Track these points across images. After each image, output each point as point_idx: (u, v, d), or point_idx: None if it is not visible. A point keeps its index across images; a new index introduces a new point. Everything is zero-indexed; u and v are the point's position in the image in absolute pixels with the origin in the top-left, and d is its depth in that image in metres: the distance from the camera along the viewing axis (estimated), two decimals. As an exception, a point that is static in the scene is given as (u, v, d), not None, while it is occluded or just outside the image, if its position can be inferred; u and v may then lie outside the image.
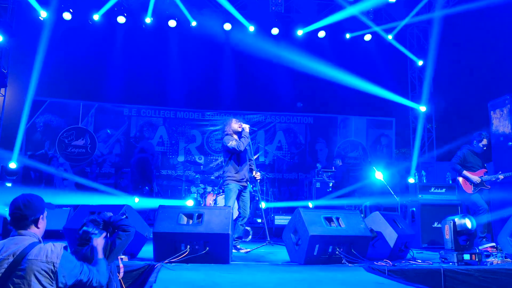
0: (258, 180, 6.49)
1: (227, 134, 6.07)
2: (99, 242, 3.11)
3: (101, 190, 10.98)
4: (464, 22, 9.88)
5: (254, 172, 6.32)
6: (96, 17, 10.57)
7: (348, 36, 11.79)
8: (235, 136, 6.02)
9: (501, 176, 6.16)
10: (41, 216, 2.77)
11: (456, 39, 10.04)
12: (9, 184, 8.80)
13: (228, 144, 5.88)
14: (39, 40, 10.31)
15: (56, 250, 2.64)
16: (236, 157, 5.98)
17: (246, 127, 6.06)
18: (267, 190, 10.44)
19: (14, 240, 2.64)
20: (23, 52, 10.66)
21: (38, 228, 2.76)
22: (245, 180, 6.02)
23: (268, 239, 6.24)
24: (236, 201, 5.95)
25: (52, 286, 2.60)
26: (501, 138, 7.59)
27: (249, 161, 6.25)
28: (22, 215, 2.68)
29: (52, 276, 2.59)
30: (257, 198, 9.95)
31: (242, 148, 5.87)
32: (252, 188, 9.96)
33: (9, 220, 2.73)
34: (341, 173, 9.54)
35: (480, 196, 6.18)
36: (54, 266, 2.59)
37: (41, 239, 2.74)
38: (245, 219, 5.97)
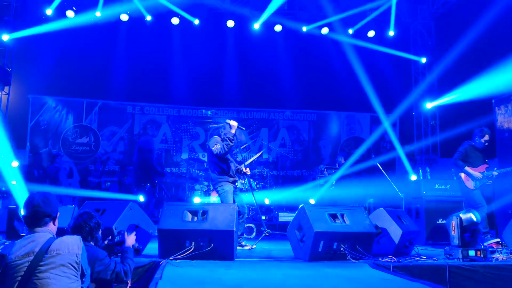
0: (248, 175, 6.48)
1: (215, 136, 6.04)
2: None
3: (104, 187, 11.06)
4: (468, 16, 9.82)
5: (244, 168, 6.32)
6: (98, 14, 10.55)
7: (351, 31, 11.72)
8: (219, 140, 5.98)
9: (495, 173, 6.20)
10: (58, 213, 2.81)
11: (460, 33, 9.98)
12: (13, 182, 8.82)
13: (213, 148, 5.87)
14: (42, 39, 10.35)
15: (75, 241, 2.69)
16: (224, 157, 5.96)
17: (235, 124, 5.96)
18: (270, 187, 10.45)
19: (30, 238, 2.64)
20: (27, 51, 10.69)
21: (54, 225, 2.79)
22: (236, 180, 6.09)
23: (266, 229, 6.24)
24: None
25: (77, 277, 2.63)
26: (506, 134, 7.56)
27: (234, 158, 6.28)
28: (43, 212, 2.70)
29: (76, 267, 2.63)
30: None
31: (224, 152, 5.83)
32: (256, 185, 10.00)
33: (25, 217, 2.72)
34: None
35: (480, 193, 6.23)
36: (77, 257, 2.63)
37: (55, 236, 2.77)
38: (245, 215, 6.02)
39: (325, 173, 10.16)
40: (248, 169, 6.37)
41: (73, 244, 2.66)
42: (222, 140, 5.93)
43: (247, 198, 8.36)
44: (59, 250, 2.60)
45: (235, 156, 6.51)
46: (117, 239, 3.47)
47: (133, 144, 11.51)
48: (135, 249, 3.55)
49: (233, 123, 5.95)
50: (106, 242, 3.43)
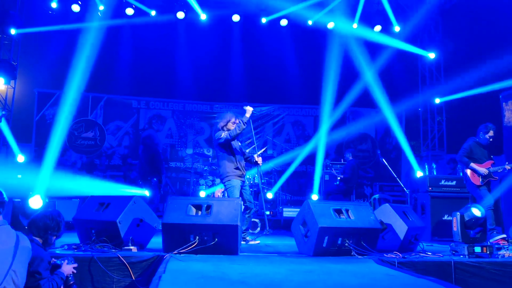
0: (260, 165, 6.38)
1: (218, 130, 5.99)
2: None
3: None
4: (477, 10, 9.72)
5: (256, 157, 6.25)
6: (101, 7, 10.53)
7: (355, 26, 11.61)
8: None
9: (508, 167, 6.14)
10: None
11: (468, 29, 9.90)
12: (19, 176, 8.84)
13: (222, 136, 5.80)
14: (48, 32, 10.35)
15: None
16: (231, 151, 5.91)
17: (249, 110, 5.91)
18: (275, 182, 10.43)
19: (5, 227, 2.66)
20: (32, 44, 10.69)
21: None
22: (244, 174, 6.02)
23: (267, 228, 6.15)
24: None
25: None
26: (513, 130, 7.50)
27: (242, 152, 6.21)
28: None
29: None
30: (262, 187, 9.95)
31: (234, 134, 5.76)
32: (260, 180, 9.97)
33: None
34: (351, 169, 9.46)
35: (486, 190, 6.17)
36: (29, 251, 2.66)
37: None
38: (252, 211, 5.98)
39: (333, 171, 10.10)
40: (260, 158, 6.28)
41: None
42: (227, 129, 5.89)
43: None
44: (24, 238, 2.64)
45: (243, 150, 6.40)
46: (58, 262, 3.46)
47: (138, 138, 11.53)
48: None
49: (249, 108, 5.91)
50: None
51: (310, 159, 12.15)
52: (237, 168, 5.92)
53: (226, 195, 6.07)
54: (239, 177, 5.90)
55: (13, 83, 10.19)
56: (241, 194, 5.88)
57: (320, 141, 10.62)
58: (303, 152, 10.90)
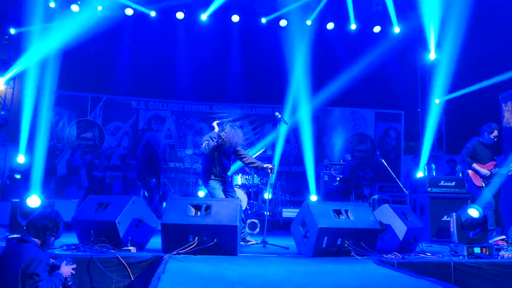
0: (271, 173, 6.23)
1: (212, 136, 5.78)
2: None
3: (108, 182, 11.09)
4: (476, 9, 9.72)
5: (270, 166, 6.13)
6: (99, 8, 10.53)
7: (354, 27, 11.60)
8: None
9: None
10: None
11: (467, 29, 9.89)
12: (18, 176, 8.83)
13: (202, 145, 5.64)
14: (47, 33, 10.33)
15: None
16: (213, 158, 5.76)
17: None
18: (274, 182, 10.42)
19: None
20: (31, 45, 10.66)
21: None
22: (225, 179, 5.89)
23: (264, 238, 5.91)
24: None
25: None
26: (513, 131, 7.50)
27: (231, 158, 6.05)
28: None
29: None
30: (261, 187, 9.95)
31: (206, 152, 5.62)
32: (260, 181, 9.97)
33: None
34: (350, 169, 9.47)
35: (488, 190, 6.14)
36: None
37: None
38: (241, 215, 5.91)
39: (330, 167, 10.09)
40: (273, 166, 5.96)
41: None
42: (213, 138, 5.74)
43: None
44: None
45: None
46: (56, 263, 3.43)
47: (138, 139, 11.52)
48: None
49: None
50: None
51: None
52: (215, 174, 5.77)
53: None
54: (218, 179, 5.78)
55: (12, 83, 10.17)
56: (226, 197, 5.75)
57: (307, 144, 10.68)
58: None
